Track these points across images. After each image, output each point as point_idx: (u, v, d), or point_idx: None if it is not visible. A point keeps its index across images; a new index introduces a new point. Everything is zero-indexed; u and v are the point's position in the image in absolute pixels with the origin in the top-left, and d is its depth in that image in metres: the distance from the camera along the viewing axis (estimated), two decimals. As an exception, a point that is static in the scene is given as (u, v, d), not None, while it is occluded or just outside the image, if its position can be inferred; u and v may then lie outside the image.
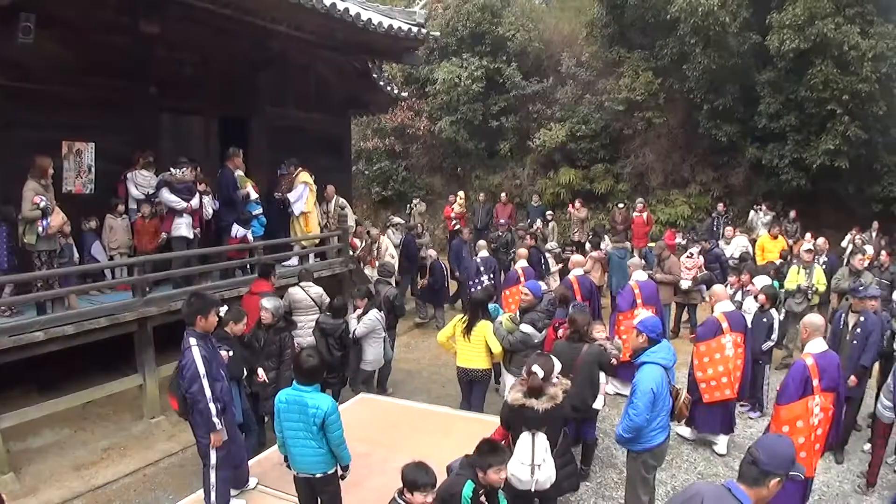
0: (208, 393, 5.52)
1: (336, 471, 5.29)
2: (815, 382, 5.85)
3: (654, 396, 5.53)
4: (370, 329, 8.65)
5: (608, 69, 19.14)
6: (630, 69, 18.07)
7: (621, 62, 18.50)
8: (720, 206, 16.66)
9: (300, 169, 11.64)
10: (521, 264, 11.01)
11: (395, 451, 6.45)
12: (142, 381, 8.57)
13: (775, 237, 13.63)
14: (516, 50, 20.32)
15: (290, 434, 5.19)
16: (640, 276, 10.06)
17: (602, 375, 7.04)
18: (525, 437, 5.37)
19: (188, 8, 9.48)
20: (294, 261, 11.55)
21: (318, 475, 5.21)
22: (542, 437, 5.40)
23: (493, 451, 4.57)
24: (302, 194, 11.42)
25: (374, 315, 8.74)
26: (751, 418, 9.00)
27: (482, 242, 13.19)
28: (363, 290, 9.05)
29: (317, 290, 9.18)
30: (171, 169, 9.72)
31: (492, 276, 12.21)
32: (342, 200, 12.74)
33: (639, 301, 9.57)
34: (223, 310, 6.67)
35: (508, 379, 7.82)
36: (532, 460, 5.33)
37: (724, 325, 7.93)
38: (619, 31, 18.68)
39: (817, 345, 6.10)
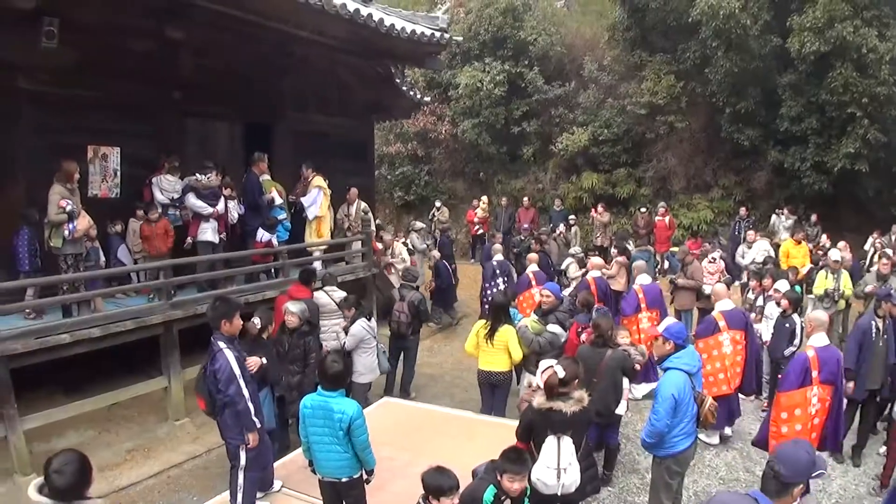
0: (246, 393, 5.57)
1: (361, 475, 5.29)
2: (815, 374, 6.18)
3: (675, 402, 5.49)
4: (359, 339, 8.32)
5: (630, 73, 19.01)
6: (652, 73, 17.94)
7: (643, 66, 18.36)
8: (742, 211, 16.47)
9: (314, 173, 11.58)
10: (532, 269, 11.09)
11: (418, 455, 6.42)
12: (167, 383, 8.58)
13: (799, 242, 13.42)
14: (538, 54, 20.23)
15: (316, 439, 5.19)
16: (644, 279, 10.09)
17: (625, 381, 7.01)
18: (551, 440, 5.27)
19: (213, 13, 9.51)
20: (317, 265, 11.51)
21: (343, 479, 5.21)
22: (567, 441, 5.30)
23: (513, 459, 4.49)
24: (315, 199, 11.36)
25: (362, 325, 8.34)
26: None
27: (497, 246, 13.29)
28: (351, 300, 8.73)
29: (341, 295, 9.13)
30: (198, 175, 9.76)
31: (506, 279, 12.29)
32: (364, 205, 12.72)
33: (643, 305, 9.63)
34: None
35: (533, 381, 7.75)
36: (558, 464, 5.24)
37: (722, 323, 8.10)
38: (641, 34, 18.54)
39: (820, 339, 6.40)
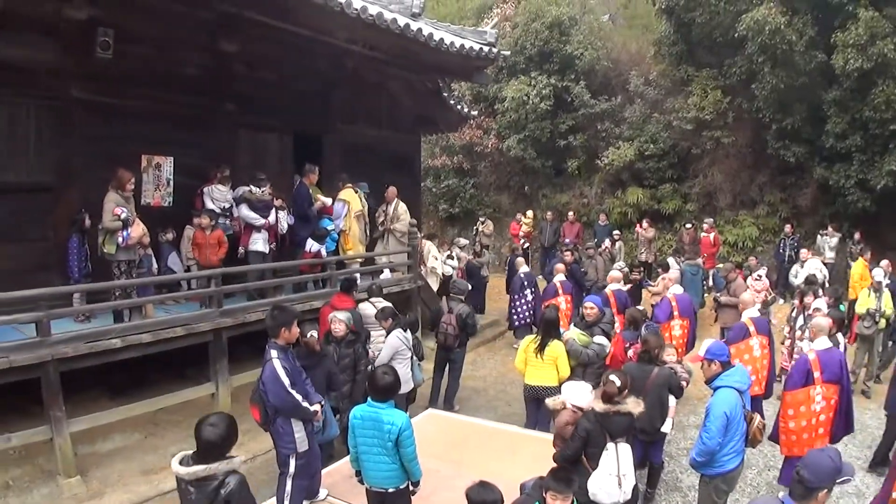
0: (298, 397, 5.67)
1: (407, 486, 5.35)
2: (817, 374, 6.73)
3: (727, 420, 5.45)
4: (394, 350, 8.14)
5: (676, 88, 18.65)
6: (699, 88, 17.52)
7: (689, 80, 17.97)
8: (787, 228, 16.09)
9: (343, 186, 11.43)
10: (559, 278, 11.44)
11: (463, 468, 6.45)
12: (214, 389, 8.61)
13: (867, 263, 13.03)
14: (584, 68, 19.97)
15: (364, 449, 5.25)
16: (676, 289, 10.24)
17: (671, 398, 6.90)
18: (610, 447, 5.30)
19: (266, 27, 9.62)
20: (386, 273, 11.52)
21: (390, 490, 5.27)
22: (625, 447, 5.36)
23: (560, 478, 4.47)
24: (340, 212, 11.24)
25: (397, 335, 8.19)
26: None
27: (520, 259, 13.51)
28: (387, 311, 8.62)
29: (386, 306, 9.10)
30: (251, 187, 9.82)
31: (533, 289, 12.54)
32: (403, 205, 12.54)
33: (675, 313, 9.76)
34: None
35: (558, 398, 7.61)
36: (618, 471, 5.23)
37: (752, 328, 8.26)
38: (687, 49, 18.15)
39: (822, 343, 6.99)
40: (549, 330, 7.90)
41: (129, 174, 8.45)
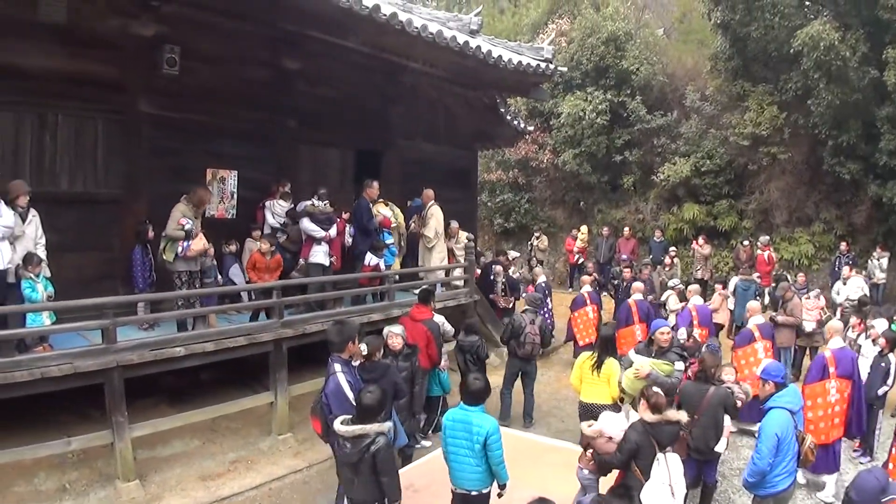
0: None
1: (490, 490, 5.57)
2: (832, 370, 7.56)
3: (778, 441, 5.45)
4: None
5: (732, 103, 18.13)
6: (755, 103, 17.01)
7: (746, 96, 17.45)
8: (843, 246, 15.59)
9: (381, 201, 11.25)
10: (586, 289, 12.03)
11: (518, 482, 6.39)
12: (273, 398, 8.55)
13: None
14: (640, 83, 19.63)
15: (454, 450, 5.52)
16: (697, 300, 10.74)
17: (726, 418, 6.70)
18: (660, 457, 5.24)
19: (327, 45, 9.65)
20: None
21: (473, 492, 5.50)
22: (674, 457, 5.32)
23: (620, 494, 4.52)
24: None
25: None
26: (861, 463, 8.39)
27: (538, 269, 13.89)
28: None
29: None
30: (314, 200, 9.83)
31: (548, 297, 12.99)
32: (466, 234, 12.55)
33: (695, 322, 10.25)
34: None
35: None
36: (670, 480, 5.16)
37: (757, 334, 9.29)
38: (743, 64, 17.64)
39: (836, 342, 7.82)
40: (605, 347, 7.68)
41: (207, 195, 8.68)
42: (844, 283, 13.23)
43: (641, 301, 11.25)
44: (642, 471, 5.25)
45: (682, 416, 5.51)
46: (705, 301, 12.35)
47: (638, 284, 11.78)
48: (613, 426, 5.81)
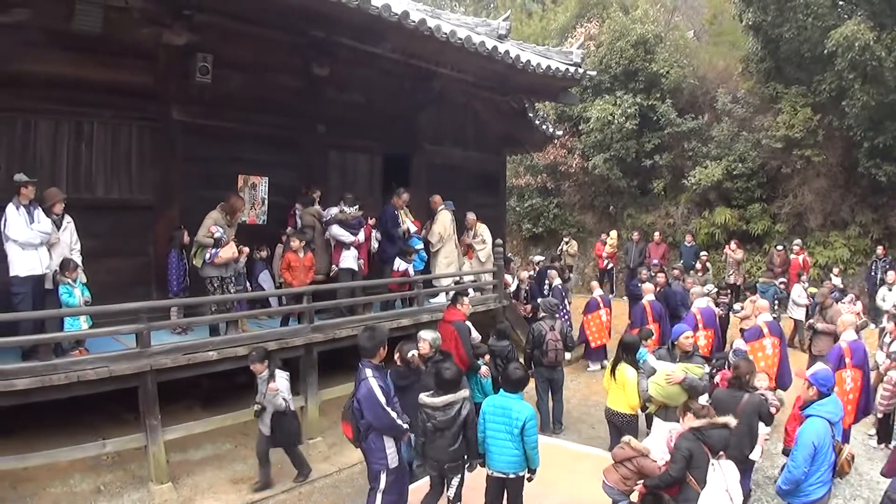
0: (393, 414, 5.70)
1: (524, 474, 5.95)
2: (847, 360, 7.88)
3: (814, 450, 5.37)
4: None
5: (765, 105, 17.82)
6: (788, 105, 16.67)
7: (778, 98, 17.12)
8: (879, 250, 15.16)
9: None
10: (598, 293, 12.14)
11: (549, 488, 6.49)
12: (304, 402, 8.59)
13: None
14: (670, 86, 19.41)
15: (491, 434, 5.88)
16: (701, 303, 10.66)
17: (761, 426, 6.62)
18: (714, 464, 5.24)
19: (357, 52, 9.71)
20: (441, 297, 11.35)
21: (510, 475, 5.88)
22: (727, 463, 5.31)
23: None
24: None
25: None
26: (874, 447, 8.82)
27: (553, 272, 13.47)
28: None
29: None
30: (343, 206, 9.88)
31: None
32: (483, 227, 12.37)
33: (700, 325, 10.21)
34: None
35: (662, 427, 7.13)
36: (727, 486, 5.13)
37: (765, 330, 9.31)
38: (776, 65, 17.32)
39: (850, 335, 8.12)
40: (620, 353, 7.55)
41: (241, 204, 8.77)
42: (890, 289, 12.88)
43: (654, 302, 11.28)
44: (698, 480, 5.19)
45: (731, 420, 5.46)
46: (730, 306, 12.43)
47: (649, 286, 11.79)
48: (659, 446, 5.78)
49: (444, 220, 11.67)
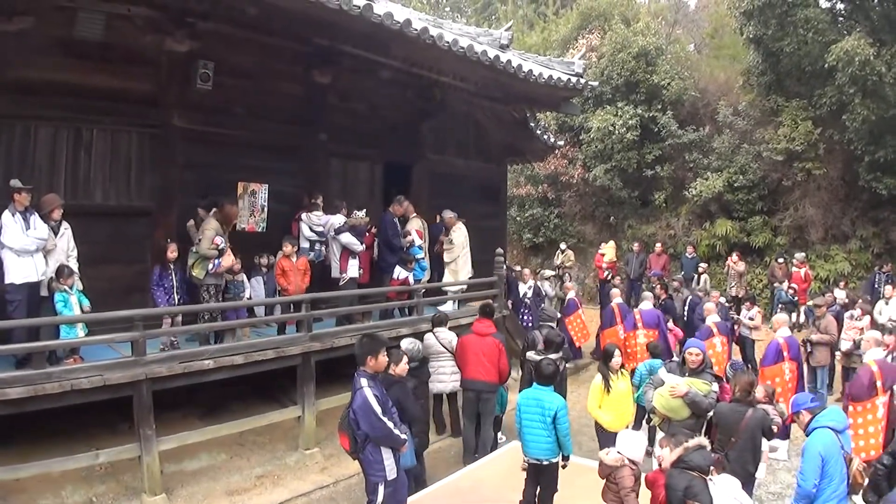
0: (390, 424, 5.62)
1: (558, 461, 6.35)
2: (879, 384, 7.17)
3: (822, 461, 5.22)
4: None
5: (766, 118, 17.79)
6: (788, 118, 16.66)
7: (779, 111, 17.11)
8: (881, 264, 15.10)
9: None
10: (616, 301, 11.83)
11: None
12: (300, 412, 8.48)
13: None
14: (671, 98, 19.36)
15: (528, 423, 6.30)
16: (645, 305, 10.87)
17: (764, 442, 6.46)
18: (711, 481, 4.94)
19: (359, 60, 9.64)
20: (449, 304, 11.26)
21: (544, 462, 6.27)
22: (723, 476, 5.11)
23: None
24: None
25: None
26: None
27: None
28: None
29: (447, 337, 8.87)
30: (356, 212, 9.82)
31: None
32: (459, 223, 11.78)
33: (640, 324, 10.46)
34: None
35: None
36: (734, 494, 4.94)
37: (785, 353, 8.80)
38: (776, 79, 17.30)
39: (877, 353, 7.76)
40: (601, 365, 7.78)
41: (235, 211, 8.68)
42: (887, 303, 12.68)
43: (622, 304, 11.72)
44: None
45: (703, 441, 5.14)
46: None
47: (615, 291, 12.44)
48: (633, 448, 5.53)
49: (461, 238, 11.56)
